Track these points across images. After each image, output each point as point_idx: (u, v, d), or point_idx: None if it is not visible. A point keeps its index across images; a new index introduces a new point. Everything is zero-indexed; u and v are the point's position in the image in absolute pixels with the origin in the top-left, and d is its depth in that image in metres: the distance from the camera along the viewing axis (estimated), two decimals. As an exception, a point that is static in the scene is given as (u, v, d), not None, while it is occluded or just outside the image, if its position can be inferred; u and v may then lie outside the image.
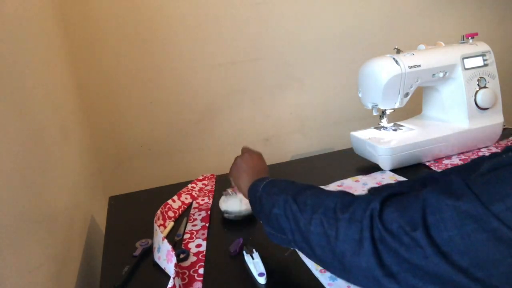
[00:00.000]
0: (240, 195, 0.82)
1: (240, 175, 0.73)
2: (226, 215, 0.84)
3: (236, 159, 0.77)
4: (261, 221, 0.64)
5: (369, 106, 1.04)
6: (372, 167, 1.02)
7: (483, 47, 1.05)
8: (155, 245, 0.75)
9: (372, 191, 0.68)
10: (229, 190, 0.85)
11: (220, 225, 0.84)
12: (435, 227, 0.40)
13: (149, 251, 0.76)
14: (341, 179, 0.99)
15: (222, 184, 1.02)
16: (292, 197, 0.56)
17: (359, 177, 0.98)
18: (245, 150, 0.80)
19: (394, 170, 1.00)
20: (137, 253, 0.74)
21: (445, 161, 1.02)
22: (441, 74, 1.01)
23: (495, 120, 1.05)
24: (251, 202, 0.66)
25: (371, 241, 0.45)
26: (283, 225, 0.56)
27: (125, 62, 1.12)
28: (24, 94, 0.63)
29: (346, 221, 0.48)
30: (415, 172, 0.97)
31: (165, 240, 0.72)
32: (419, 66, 0.97)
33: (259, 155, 0.79)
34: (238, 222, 0.83)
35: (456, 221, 0.39)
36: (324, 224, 0.50)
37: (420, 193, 0.44)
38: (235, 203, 0.82)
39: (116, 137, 1.18)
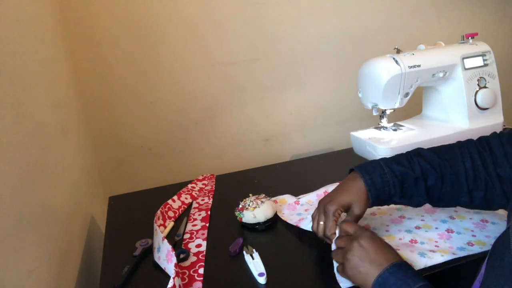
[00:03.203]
0: (256, 211, 0.80)
1: (363, 279, 0.58)
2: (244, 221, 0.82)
3: (349, 258, 0.60)
4: None
5: (369, 106, 1.04)
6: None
7: (483, 47, 1.05)
8: (155, 245, 0.75)
9: None
10: (249, 202, 0.82)
11: (220, 225, 0.84)
12: None
13: (149, 251, 0.76)
14: (341, 179, 0.98)
15: (222, 184, 1.02)
16: None
17: None
18: (351, 240, 0.61)
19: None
20: (137, 253, 0.74)
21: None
22: (441, 74, 1.01)
23: (495, 120, 1.05)
24: None
25: None
26: None
27: (125, 62, 1.12)
28: (24, 94, 0.63)
29: None
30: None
31: (165, 240, 0.72)
32: (419, 66, 0.97)
33: (370, 239, 0.61)
34: (238, 224, 0.83)
35: None
36: None
37: None
38: (250, 217, 0.80)
39: (116, 137, 1.18)
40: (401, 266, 0.56)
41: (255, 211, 0.79)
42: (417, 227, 0.76)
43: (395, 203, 0.71)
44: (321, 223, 0.68)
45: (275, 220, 0.82)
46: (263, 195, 0.85)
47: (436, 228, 0.75)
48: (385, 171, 0.68)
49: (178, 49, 1.16)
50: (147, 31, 1.11)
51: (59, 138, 0.79)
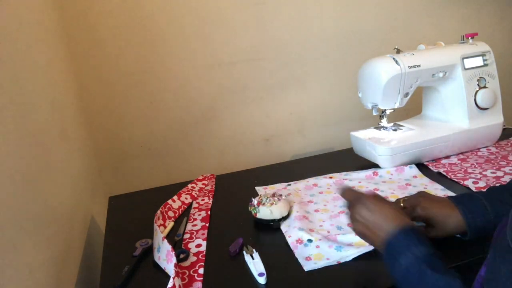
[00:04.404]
0: (273, 207, 0.80)
1: (371, 234, 0.60)
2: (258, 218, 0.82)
3: (361, 210, 0.62)
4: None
5: (369, 106, 1.04)
6: (372, 167, 1.02)
7: (483, 47, 1.05)
8: (155, 245, 0.75)
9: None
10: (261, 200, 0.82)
11: (220, 225, 0.84)
12: None
13: (149, 251, 0.76)
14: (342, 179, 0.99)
15: (222, 184, 1.02)
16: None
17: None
18: (365, 199, 0.63)
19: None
20: (137, 253, 0.74)
21: (444, 161, 1.02)
22: (441, 74, 1.01)
23: (495, 120, 1.05)
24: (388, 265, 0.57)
25: None
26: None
27: (125, 62, 1.12)
28: (24, 94, 0.63)
29: None
30: (415, 172, 0.97)
31: (165, 240, 0.72)
32: (419, 66, 0.97)
33: (385, 203, 0.62)
34: (238, 224, 0.83)
35: None
36: None
37: None
38: (266, 213, 0.80)
39: (116, 137, 1.18)
40: (407, 232, 0.56)
41: (272, 207, 0.80)
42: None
43: None
44: None
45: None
46: (275, 192, 0.86)
47: None
48: (488, 210, 0.64)
49: (178, 49, 1.16)
50: (147, 31, 1.11)
51: (59, 138, 0.79)
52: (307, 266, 0.67)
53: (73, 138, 0.93)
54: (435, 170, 0.98)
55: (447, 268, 0.53)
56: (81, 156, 0.98)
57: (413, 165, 0.99)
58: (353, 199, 0.64)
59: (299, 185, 0.96)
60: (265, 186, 0.98)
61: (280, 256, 0.72)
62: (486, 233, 0.64)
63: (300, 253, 0.71)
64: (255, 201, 0.82)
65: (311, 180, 0.98)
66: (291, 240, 0.74)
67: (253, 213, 0.81)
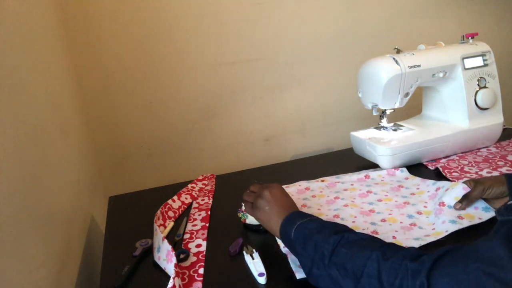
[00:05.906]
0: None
1: (267, 219, 0.69)
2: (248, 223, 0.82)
3: (257, 201, 0.70)
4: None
5: (369, 106, 1.04)
6: (372, 167, 1.02)
7: (483, 47, 1.05)
8: (155, 245, 0.75)
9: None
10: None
11: (220, 225, 0.84)
12: None
13: (149, 251, 0.76)
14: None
15: (222, 184, 1.02)
16: (329, 258, 0.56)
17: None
18: (262, 188, 0.72)
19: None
20: (137, 253, 0.74)
21: (443, 160, 1.02)
22: (441, 74, 1.01)
23: (495, 120, 1.05)
24: (287, 246, 0.65)
25: None
26: (327, 286, 0.57)
27: (125, 62, 1.12)
28: (24, 94, 0.63)
29: None
30: (414, 172, 0.97)
31: (165, 240, 0.72)
32: (419, 66, 0.97)
33: (278, 189, 0.72)
34: (238, 224, 0.83)
35: None
36: None
37: (470, 264, 0.44)
38: (252, 218, 0.79)
39: (116, 137, 1.18)
40: (299, 213, 0.66)
41: None
42: (419, 212, 0.81)
43: None
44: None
45: None
46: None
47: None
48: None
49: (178, 49, 1.16)
50: (147, 32, 1.11)
51: (59, 138, 0.79)
52: (300, 274, 0.66)
53: (73, 138, 0.93)
54: (433, 168, 0.98)
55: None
56: (81, 156, 0.98)
57: (404, 168, 0.99)
58: (257, 190, 0.73)
59: (291, 189, 0.94)
60: None
61: (280, 256, 0.72)
62: None
63: (294, 259, 0.69)
64: (243, 207, 0.81)
65: (303, 184, 0.97)
66: (285, 250, 0.72)
67: (241, 219, 0.81)
